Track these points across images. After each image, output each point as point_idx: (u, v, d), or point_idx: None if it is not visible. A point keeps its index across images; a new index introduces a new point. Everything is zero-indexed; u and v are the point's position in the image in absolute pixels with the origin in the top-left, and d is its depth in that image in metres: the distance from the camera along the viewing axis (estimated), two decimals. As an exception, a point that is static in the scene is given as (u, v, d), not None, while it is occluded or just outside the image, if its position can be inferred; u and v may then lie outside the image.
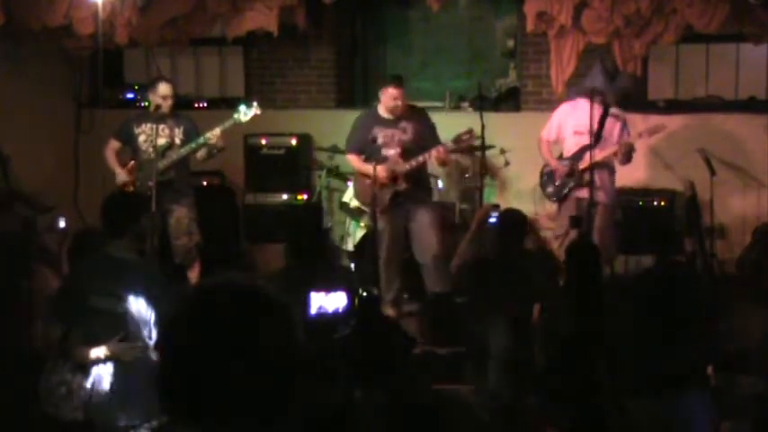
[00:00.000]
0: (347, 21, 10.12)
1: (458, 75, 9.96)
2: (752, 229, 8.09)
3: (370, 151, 7.52)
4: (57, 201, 8.61)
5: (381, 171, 7.32)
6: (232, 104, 9.50)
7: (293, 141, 9.38)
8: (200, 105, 9.86)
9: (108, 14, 8.32)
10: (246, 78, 10.09)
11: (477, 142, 7.76)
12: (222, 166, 9.39)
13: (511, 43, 9.78)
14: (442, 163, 7.48)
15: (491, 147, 8.08)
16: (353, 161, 7.62)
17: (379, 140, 7.48)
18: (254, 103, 7.73)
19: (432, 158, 7.33)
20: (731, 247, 8.44)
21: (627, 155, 7.52)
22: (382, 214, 7.44)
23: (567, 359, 5.07)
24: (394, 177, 7.38)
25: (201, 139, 7.53)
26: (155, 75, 9.54)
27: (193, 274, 7.79)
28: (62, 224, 7.23)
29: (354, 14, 10.18)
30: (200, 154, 7.65)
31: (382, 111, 7.52)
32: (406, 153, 7.42)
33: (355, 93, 10.28)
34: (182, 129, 7.69)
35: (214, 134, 7.49)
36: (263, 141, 9.34)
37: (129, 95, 9.95)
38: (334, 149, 8.86)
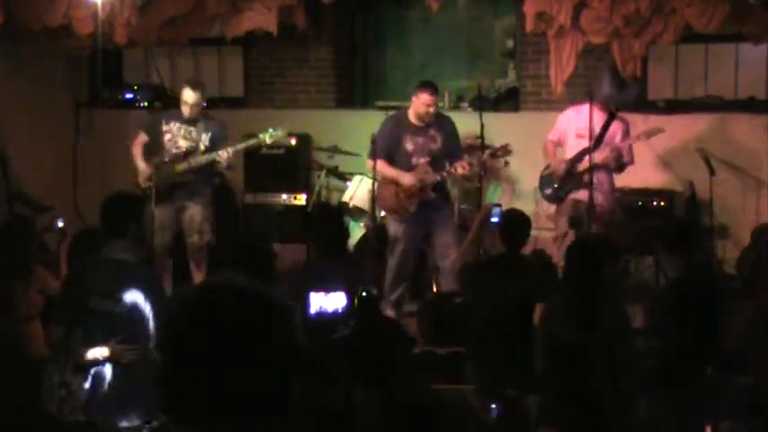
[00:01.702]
0: (346, 21, 10.12)
1: (457, 75, 9.95)
2: (752, 229, 8.08)
3: (397, 158, 7.48)
4: (56, 201, 8.61)
5: (411, 180, 7.32)
6: (231, 104, 9.54)
7: (292, 141, 9.37)
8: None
9: (107, 14, 8.33)
10: (246, 78, 10.09)
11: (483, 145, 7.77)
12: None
13: (510, 43, 9.78)
14: (466, 178, 7.52)
15: (491, 147, 8.08)
16: (382, 167, 7.35)
17: (409, 148, 7.43)
18: (280, 127, 7.70)
19: (458, 173, 7.33)
20: (731, 248, 8.43)
21: (616, 160, 7.54)
22: (403, 221, 7.43)
23: (566, 359, 5.07)
24: (422, 187, 7.37)
25: (211, 156, 7.52)
26: (154, 76, 9.59)
27: (199, 273, 7.76)
28: (60, 224, 7.23)
29: (354, 14, 10.18)
30: (223, 164, 7.63)
31: (412, 116, 7.45)
32: (435, 162, 7.40)
33: (355, 93, 10.28)
34: (209, 135, 7.60)
35: (222, 156, 7.48)
36: (263, 141, 9.33)
37: (129, 95, 9.95)
38: (334, 149, 8.86)
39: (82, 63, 9.81)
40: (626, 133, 7.67)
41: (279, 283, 5.51)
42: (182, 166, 7.50)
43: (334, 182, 9.03)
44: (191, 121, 7.56)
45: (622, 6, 7.88)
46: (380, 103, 9.48)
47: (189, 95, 7.57)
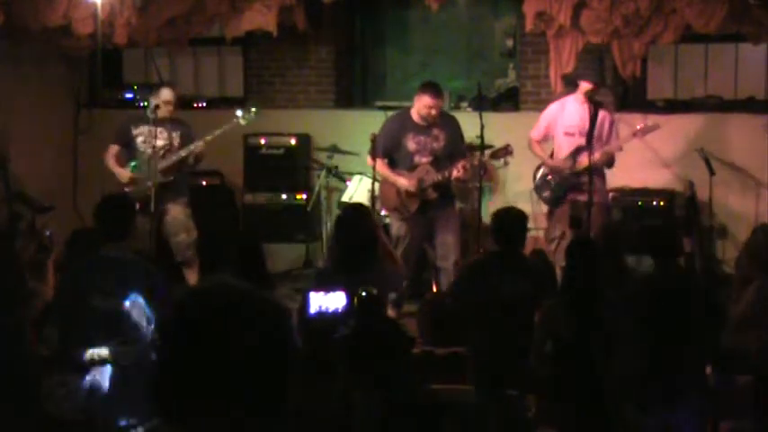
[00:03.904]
0: (346, 20, 10.12)
1: (457, 75, 9.95)
2: (751, 229, 8.09)
3: (399, 157, 7.48)
4: (56, 201, 8.61)
5: (406, 183, 7.32)
6: (231, 104, 9.54)
7: (292, 141, 9.38)
8: (200, 105, 9.86)
9: (107, 14, 8.32)
10: (245, 78, 10.10)
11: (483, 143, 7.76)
12: (222, 166, 9.40)
13: (510, 43, 9.78)
14: (460, 180, 7.50)
15: (490, 147, 8.08)
16: (380, 167, 7.36)
17: (411, 147, 7.41)
18: (253, 108, 7.86)
19: (452, 176, 7.32)
20: (731, 247, 8.44)
21: (608, 162, 7.58)
22: (405, 221, 7.43)
23: (566, 359, 5.07)
24: (422, 187, 7.36)
25: (190, 149, 7.65)
26: (154, 76, 9.60)
27: (193, 273, 7.79)
28: (48, 233, 7.24)
29: (354, 14, 10.18)
30: (190, 159, 7.72)
31: (415, 115, 7.41)
32: (437, 161, 7.37)
33: (354, 93, 10.28)
34: (179, 132, 7.75)
35: (202, 143, 7.62)
36: (263, 141, 9.35)
37: (129, 95, 9.94)
38: (334, 149, 8.86)
39: (82, 63, 9.81)
40: (612, 126, 7.67)
41: (271, 282, 5.52)
42: (162, 164, 7.58)
43: (335, 182, 9.03)
44: (160, 122, 7.66)
45: (622, 6, 7.88)
46: (380, 103, 9.47)
47: (169, 94, 7.78)
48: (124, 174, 7.70)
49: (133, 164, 7.74)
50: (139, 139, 7.75)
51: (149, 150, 7.62)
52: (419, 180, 7.35)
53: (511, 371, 5.46)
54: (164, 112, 7.68)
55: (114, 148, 7.87)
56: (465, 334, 6.05)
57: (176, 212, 7.75)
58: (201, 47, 9.93)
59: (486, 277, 5.78)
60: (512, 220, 5.94)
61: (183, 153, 7.66)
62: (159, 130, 7.68)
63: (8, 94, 9.02)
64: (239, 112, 7.79)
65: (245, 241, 5.63)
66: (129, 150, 7.81)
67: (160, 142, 7.66)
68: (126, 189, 7.59)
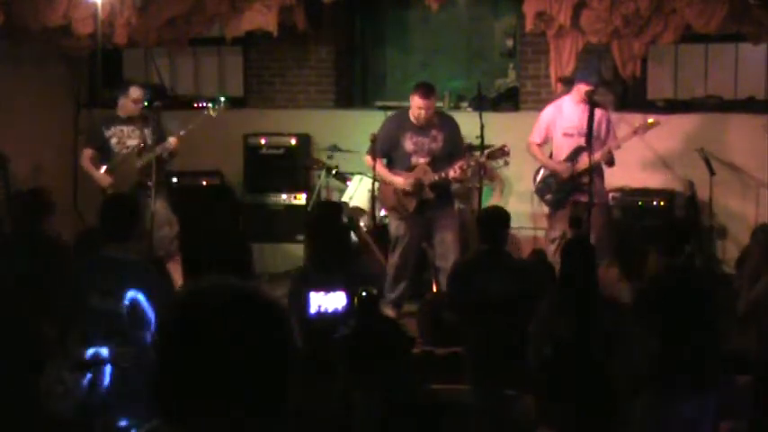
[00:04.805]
0: (346, 20, 10.12)
1: (457, 75, 9.95)
2: (751, 229, 8.09)
3: (397, 156, 7.48)
4: (56, 201, 8.59)
5: (402, 182, 7.32)
6: (231, 104, 9.54)
7: (292, 141, 9.38)
8: (200, 105, 9.85)
9: (107, 14, 8.32)
10: (245, 78, 10.10)
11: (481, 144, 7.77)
12: (222, 166, 9.40)
13: (510, 43, 9.78)
14: (457, 181, 7.51)
15: (490, 147, 8.08)
16: (378, 167, 7.41)
17: (408, 148, 7.42)
18: (222, 99, 7.96)
19: (450, 176, 7.32)
20: (731, 248, 8.44)
21: (608, 161, 7.62)
22: (404, 220, 7.44)
23: (565, 358, 5.06)
24: (421, 187, 7.36)
25: (164, 147, 7.65)
26: (154, 76, 9.59)
27: (175, 268, 7.76)
28: None
29: (354, 14, 10.18)
30: (165, 155, 7.73)
31: (413, 116, 7.44)
32: (435, 162, 7.38)
33: (354, 93, 10.28)
34: (150, 129, 7.72)
35: (173, 140, 7.65)
36: (263, 141, 9.35)
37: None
38: (334, 149, 8.86)
39: (82, 63, 9.81)
40: (609, 125, 7.71)
41: (257, 281, 5.52)
42: (139, 163, 7.58)
43: (334, 182, 9.04)
44: (131, 121, 7.66)
45: (622, 6, 7.88)
46: (380, 103, 9.48)
47: (138, 92, 7.79)
48: (103, 178, 7.68)
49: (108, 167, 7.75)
50: (113, 141, 7.75)
51: (124, 151, 7.63)
52: (417, 180, 7.35)
53: (505, 369, 5.45)
54: (133, 110, 7.69)
55: (89, 152, 7.85)
56: (463, 333, 6.06)
57: (157, 206, 7.72)
58: (201, 47, 9.93)
59: (475, 276, 5.79)
60: (494, 218, 5.98)
61: (158, 150, 7.64)
62: (131, 128, 7.69)
63: (8, 94, 9.02)
64: (210, 104, 7.83)
65: (233, 240, 5.63)
66: (103, 153, 7.80)
67: (133, 142, 7.66)
68: (108, 191, 7.58)
